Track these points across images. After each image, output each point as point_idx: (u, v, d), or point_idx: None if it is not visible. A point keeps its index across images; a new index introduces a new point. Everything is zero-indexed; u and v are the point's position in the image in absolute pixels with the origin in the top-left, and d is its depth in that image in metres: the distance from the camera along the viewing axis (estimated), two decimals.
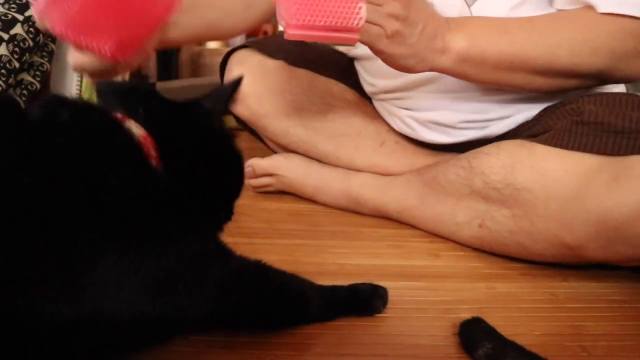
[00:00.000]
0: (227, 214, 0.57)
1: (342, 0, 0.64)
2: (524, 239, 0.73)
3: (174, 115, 0.50)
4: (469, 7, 0.81)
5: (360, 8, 0.64)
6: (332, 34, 0.65)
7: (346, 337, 0.59)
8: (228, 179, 0.54)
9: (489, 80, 0.79)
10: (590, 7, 0.72)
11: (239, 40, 2.27)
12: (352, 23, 0.64)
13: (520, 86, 0.80)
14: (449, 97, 0.86)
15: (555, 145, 0.72)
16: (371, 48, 0.72)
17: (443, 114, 0.87)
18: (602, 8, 0.70)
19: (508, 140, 0.79)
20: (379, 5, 0.68)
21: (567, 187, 0.68)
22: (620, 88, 0.88)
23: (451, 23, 0.75)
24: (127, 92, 0.49)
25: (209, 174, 0.51)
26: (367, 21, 0.67)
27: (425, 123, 0.89)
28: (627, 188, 0.64)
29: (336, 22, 0.64)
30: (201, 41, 1.47)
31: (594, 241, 0.67)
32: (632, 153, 0.67)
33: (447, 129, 0.88)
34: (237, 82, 0.56)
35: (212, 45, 2.22)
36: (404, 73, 0.78)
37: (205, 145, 0.51)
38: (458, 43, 0.74)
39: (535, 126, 0.80)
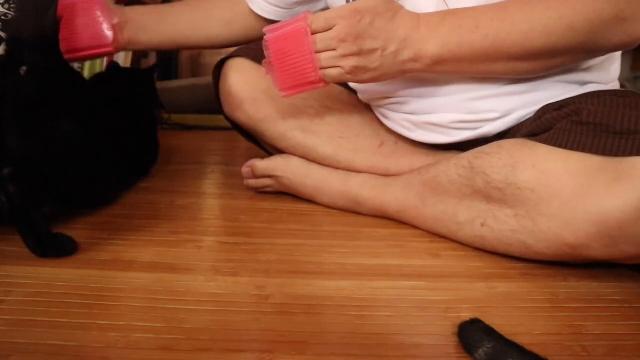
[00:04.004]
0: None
1: (299, 65, 0.80)
2: (527, 238, 0.73)
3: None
4: (445, 2, 0.81)
5: (311, 66, 0.79)
6: (307, 87, 0.82)
7: (346, 337, 0.60)
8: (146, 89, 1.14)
9: (469, 73, 0.81)
10: None
11: None
12: (311, 79, 0.81)
13: (504, 73, 0.81)
14: (442, 99, 0.86)
15: (555, 145, 0.72)
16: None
17: (438, 115, 0.87)
18: None
19: (509, 140, 0.79)
20: (333, 49, 0.78)
21: (569, 187, 0.69)
22: (615, 85, 0.89)
23: (422, 27, 0.77)
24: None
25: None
26: (325, 68, 0.79)
27: (422, 125, 0.90)
28: (628, 188, 0.64)
29: (302, 81, 0.82)
30: (180, 48, 1.56)
31: (596, 240, 0.67)
32: (631, 154, 0.66)
33: (442, 129, 0.88)
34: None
35: None
36: (392, 79, 0.83)
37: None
38: (430, 50, 0.77)
39: (535, 125, 0.79)
